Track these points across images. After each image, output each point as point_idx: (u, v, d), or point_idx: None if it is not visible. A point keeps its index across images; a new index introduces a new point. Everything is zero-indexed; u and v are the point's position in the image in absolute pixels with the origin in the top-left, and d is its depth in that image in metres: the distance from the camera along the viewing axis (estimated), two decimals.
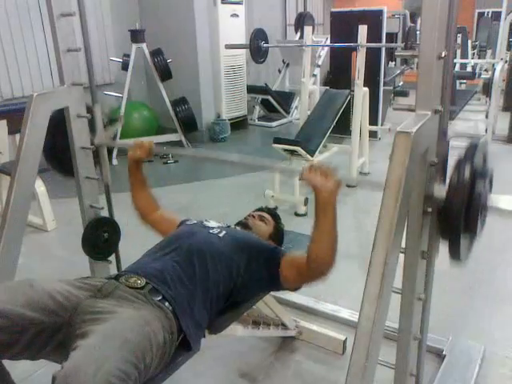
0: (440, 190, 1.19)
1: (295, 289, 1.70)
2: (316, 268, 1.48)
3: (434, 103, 1.14)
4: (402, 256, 1.22)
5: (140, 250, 1.73)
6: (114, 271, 2.14)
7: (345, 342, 2.14)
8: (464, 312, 2.43)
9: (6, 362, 1.37)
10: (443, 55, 1.11)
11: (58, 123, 1.87)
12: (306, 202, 3.68)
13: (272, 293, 1.92)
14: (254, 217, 1.92)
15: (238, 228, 1.82)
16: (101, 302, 1.28)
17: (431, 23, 1.08)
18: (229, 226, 1.79)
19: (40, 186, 3.33)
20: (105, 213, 2.14)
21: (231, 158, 2.08)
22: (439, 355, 2.10)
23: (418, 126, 1.05)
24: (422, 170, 1.15)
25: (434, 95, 1.13)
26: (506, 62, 5.74)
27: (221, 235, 1.65)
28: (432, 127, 1.16)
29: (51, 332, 1.24)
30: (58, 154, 1.98)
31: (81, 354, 1.05)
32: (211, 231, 1.67)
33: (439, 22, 1.08)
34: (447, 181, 1.20)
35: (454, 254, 1.24)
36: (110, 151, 2.14)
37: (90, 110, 1.94)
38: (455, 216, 1.15)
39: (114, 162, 4.80)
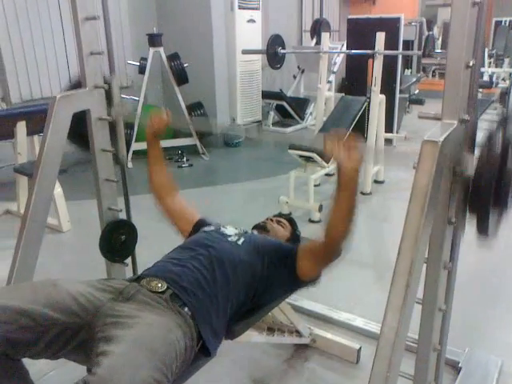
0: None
1: (312, 280, 1.68)
2: (333, 246, 1.47)
3: (460, 112, 1.13)
4: (423, 266, 1.21)
5: (156, 252, 1.74)
6: (129, 274, 2.15)
7: (359, 350, 2.12)
8: (481, 323, 2.39)
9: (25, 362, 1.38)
10: (471, 64, 1.10)
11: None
12: (320, 208, 3.66)
13: (287, 300, 1.91)
14: (272, 220, 1.93)
15: (255, 232, 1.82)
16: (122, 305, 1.28)
17: (460, 32, 1.07)
18: (246, 232, 1.78)
19: (57, 188, 3.36)
20: (122, 215, 2.15)
21: None
22: (455, 367, 2.07)
23: (445, 135, 1.04)
24: (447, 180, 1.14)
25: (460, 104, 1.12)
26: None
27: (239, 243, 1.65)
28: (458, 137, 1.15)
29: (72, 333, 1.25)
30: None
31: (114, 361, 1.06)
32: (230, 239, 1.67)
33: (468, 31, 1.07)
34: (477, 152, 1.16)
35: (482, 229, 1.18)
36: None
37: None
38: (485, 190, 1.10)
39: (130, 165, 4.83)
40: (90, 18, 1.79)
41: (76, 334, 1.25)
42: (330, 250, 1.49)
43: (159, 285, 1.38)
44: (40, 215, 1.74)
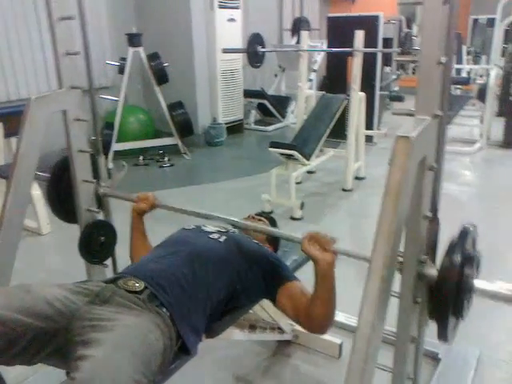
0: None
1: None
2: (312, 325, 1.50)
3: (433, 108, 1.15)
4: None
5: None
6: (110, 275, 2.13)
7: (341, 345, 2.14)
8: None
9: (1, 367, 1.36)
10: (443, 61, 1.12)
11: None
12: (302, 206, 3.69)
13: None
14: (253, 218, 1.94)
15: (236, 231, 1.82)
16: (99, 308, 1.26)
17: (431, 29, 1.08)
18: (227, 231, 1.78)
19: (35, 190, 3.31)
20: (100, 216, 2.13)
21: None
22: (434, 358, 2.10)
23: (418, 131, 1.05)
24: (420, 175, 1.15)
25: (433, 100, 1.14)
26: (501, 67, 5.79)
27: (221, 240, 1.64)
28: (431, 132, 1.17)
29: (47, 337, 1.22)
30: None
31: (94, 365, 1.05)
32: (211, 236, 1.66)
33: (439, 28, 1.09)
34: (438, 264, 1.28)
35: (442, 335, 1.31)
36: (105, 153, 2.14)
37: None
38: (445, 303, 1.24)
39: (110, 165, 4.79)
40: (66, 18, 1.77)
41: (52, 338, 1.22)
42: (310, 326, 1.51)
43: (136, 284, 1.36)
44: (16, 218, 1.72)
